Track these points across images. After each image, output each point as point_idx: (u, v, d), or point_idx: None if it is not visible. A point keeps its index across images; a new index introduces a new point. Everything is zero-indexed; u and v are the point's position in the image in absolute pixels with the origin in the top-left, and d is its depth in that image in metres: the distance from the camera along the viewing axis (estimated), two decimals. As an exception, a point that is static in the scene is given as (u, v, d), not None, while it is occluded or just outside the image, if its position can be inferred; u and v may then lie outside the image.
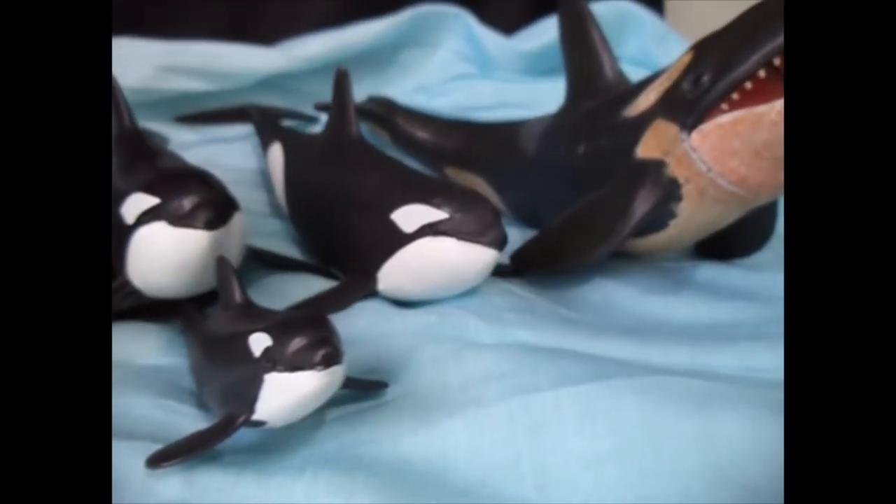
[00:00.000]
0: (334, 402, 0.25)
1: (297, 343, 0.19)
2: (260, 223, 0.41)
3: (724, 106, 0.28)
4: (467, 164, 0.45)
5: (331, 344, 0.20)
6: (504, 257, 0.36)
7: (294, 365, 0.19)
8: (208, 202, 0.26)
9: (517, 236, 0.41)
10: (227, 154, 0.49)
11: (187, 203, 0.25)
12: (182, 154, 0.49)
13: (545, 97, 0.54)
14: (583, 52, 0.40)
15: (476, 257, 0.28)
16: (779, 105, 0.26)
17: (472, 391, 0.24)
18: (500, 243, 0.28)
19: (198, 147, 0.50)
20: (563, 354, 0.26)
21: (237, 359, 0.20)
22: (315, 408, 0.21)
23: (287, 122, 0.52)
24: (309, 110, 0.55)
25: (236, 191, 0.45)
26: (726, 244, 0.37)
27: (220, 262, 0.24)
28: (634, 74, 0.41)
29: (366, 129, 0.53)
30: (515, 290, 0.31)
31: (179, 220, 0.25)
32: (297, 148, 0.40)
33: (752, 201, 0.31)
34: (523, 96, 0.56)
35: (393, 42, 0.59)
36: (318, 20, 0.58)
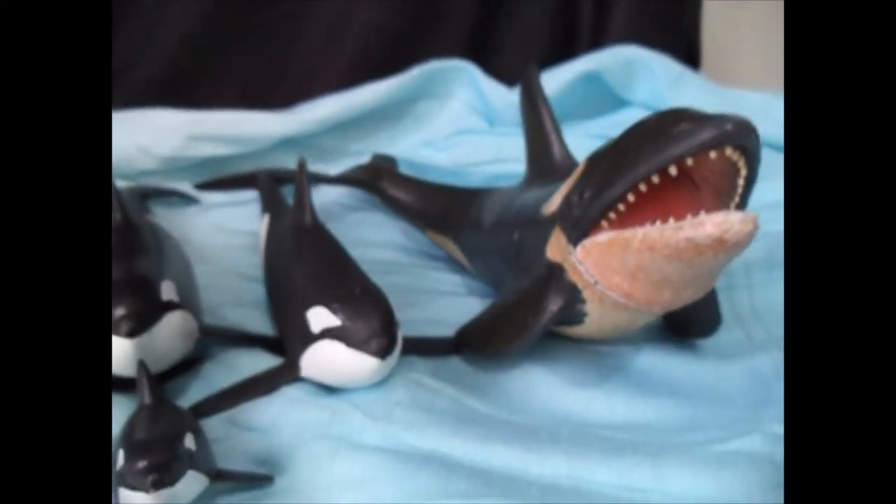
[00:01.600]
0: (223, 491, 0.28)
1: (135, 466, 0.23)
2: (247, 289, 0.45)
3: (605, 223, 0.28)
4: (442, 227, 0.47)
5: (164, 469, 0.23)
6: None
7: (130, 484, 0.23)
8: (130, 314, 0.30)
9: (477, 304, 0.43)
10: (240, 217, 0.54)
11: (115, 313, 0.30)
12: (203, 215, 0.56)
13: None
14: (535, 131, 0.41)
15: (361, 363, 0.30)
16: (641, 233, 0.26)
17: (335, 496, 0.27)
18: (382, 352, 0.30)
19: (218, 209, 0.56)
20: (427, 463, 0.27)
21: (114, 464, 0.25)
22: None
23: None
24: (323, 166, 0.59)
25: (235, 255, 0.51)
26: (683, 324, 0.36)
27: (138, 367, 0.29)
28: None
29: (360, 193, 0.56)
30: (426, 381, 0.33)
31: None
32: (276, 224, 0.45)
33: (650, 312, 0.30)
34: (520, 151, 0.56)
35: (404, 97, 0.62)
36: (335, 84, 0.63)
